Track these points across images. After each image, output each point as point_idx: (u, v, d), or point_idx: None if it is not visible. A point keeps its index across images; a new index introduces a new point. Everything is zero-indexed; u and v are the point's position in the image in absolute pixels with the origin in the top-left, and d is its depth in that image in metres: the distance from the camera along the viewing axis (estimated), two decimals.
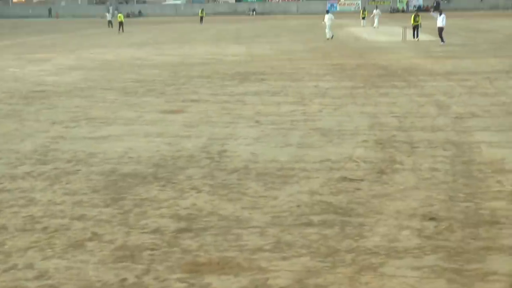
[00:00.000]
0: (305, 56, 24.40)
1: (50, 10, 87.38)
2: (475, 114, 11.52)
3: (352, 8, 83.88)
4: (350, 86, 15.63)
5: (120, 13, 53.44)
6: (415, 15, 31.58)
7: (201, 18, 60.87)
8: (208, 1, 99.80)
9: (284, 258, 5.27)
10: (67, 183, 7.67)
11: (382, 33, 37.90)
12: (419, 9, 65.71)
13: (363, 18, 47.07)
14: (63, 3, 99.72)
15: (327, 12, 34.36)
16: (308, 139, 9.86)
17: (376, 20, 43.81)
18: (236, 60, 23.00)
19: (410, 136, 9.86)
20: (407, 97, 13.72)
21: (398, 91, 14.63)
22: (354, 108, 12.47)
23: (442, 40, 27.49)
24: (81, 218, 6.39)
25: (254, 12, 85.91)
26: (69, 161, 8.74)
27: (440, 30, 27.74)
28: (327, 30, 32.91)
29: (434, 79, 16.50)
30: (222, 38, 37.43)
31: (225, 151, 9.16)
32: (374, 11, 45.54)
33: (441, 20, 27.81)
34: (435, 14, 28.78)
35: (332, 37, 32.83)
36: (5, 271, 5.14)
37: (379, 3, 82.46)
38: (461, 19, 52.29)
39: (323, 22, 33.82)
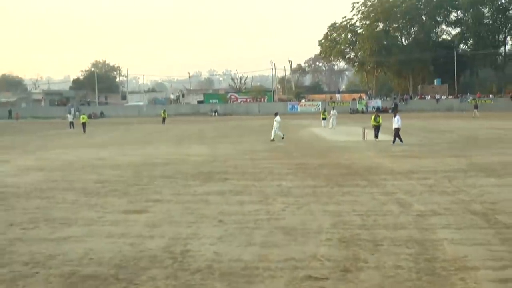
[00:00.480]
0: (267, 155, 24.78)
1: (10, 112, 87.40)
2: (436, 212, 11.78)
3: (313, 109, 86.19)
4: (313, 185, 15.86)
5: (84, 114, 53.90)
6: (375, 116, 32.52)
7: (164, 119, 61.81)
8: (171, 102, 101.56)
9: None
10: (24, 287, 7.48)
11: (342, 133, 38.89)
12: (378, 110, 67.82)
13: (324, 118, 48.18)
14: (23, 105, 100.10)
15: (276, 114, 34.69)
16: (272, 238, 9.90)
17: (334, 121, 44.97)
18: (199, 160, 23.19)
19: (373, 234, 9.99)
20: (369, 195, 13.97)
21: (360, 189, 14.90)
22: (317, 207, 12.61)
23: (401, 140, 28.37)
24: None
25: (216, 113, 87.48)
26: (26, 264, 8.55)
27: (397, 130, 28.75)
28: (277, 132, 33.14)
29: (395, 178, 16.88)
30: (184, 139, 37.85)
31: (188, 251, 9.11)
32: (331, 111, 46.87)
33: (396, 121, 28.95)
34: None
35: (272, 140, 32.67)
36: None
37: (338, 104, 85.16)
38: (418, 120, 54.15)
39: (276, 127, 33.84)
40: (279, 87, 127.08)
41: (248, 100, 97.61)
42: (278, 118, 33.85)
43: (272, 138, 32.78)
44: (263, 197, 14.07)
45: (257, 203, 13.19)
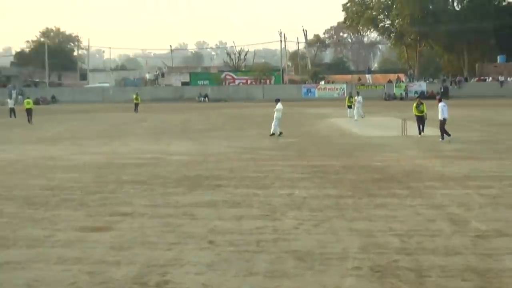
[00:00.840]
0: (274, 155, 24.75)
1: None
2: (502, 233, 11.68)
3: (335, 94, 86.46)
4: (335, 194, 15.80)
5: (29, 97, 53.94)
6: (417, 103, 32.28)
7: (136, 105, 61.96)
8: (146, 84, 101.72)
9: None
10: None
11: (374, 125, 38.89)
12: (422, 96, 67.13)
13: (349, 106, 48.05)
14: None
15: (277, 101, 34.22)
16: (280, 265, 9.82)
17: (359, 110, 44.74)
18: (183, 161, 23.16)
19: (417, 261, 9.90)
20: (411, 209, 13.89)
21: (398, 201, 14.82)
22: (341, 224, 12.54)
23: (448, 134, 28.10)
24: None
25: (207, 98, 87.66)
26: None
27: (442, 122, 28.40)
28: (275, 126, 33.08)
29: (446, 186, 16.81)
30: (164, 132, 37.89)
31: (167, 282, 9.06)
32: (356, 97, 46.50)
33: (441, 110, 28.43)
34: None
35: (279, 134, 32.77)
36: None
37: (369, 88, 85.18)
38: (477, 109, 54.12)
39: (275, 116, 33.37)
40: (290, 64, 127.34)
41: (249, 81, 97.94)
42: (279, 105, 33.38)
43: (279, 131, 32.62)
44: (269, 210, 14.01)
45: (260, 219, 13.13)
